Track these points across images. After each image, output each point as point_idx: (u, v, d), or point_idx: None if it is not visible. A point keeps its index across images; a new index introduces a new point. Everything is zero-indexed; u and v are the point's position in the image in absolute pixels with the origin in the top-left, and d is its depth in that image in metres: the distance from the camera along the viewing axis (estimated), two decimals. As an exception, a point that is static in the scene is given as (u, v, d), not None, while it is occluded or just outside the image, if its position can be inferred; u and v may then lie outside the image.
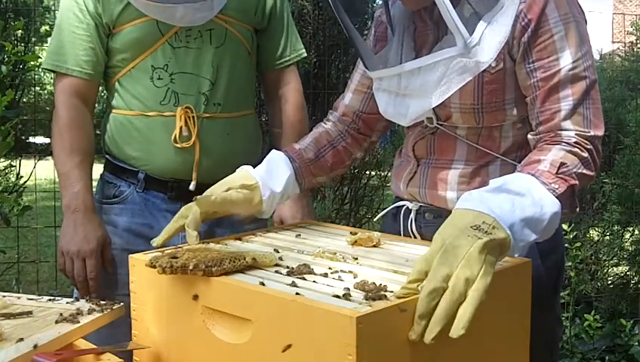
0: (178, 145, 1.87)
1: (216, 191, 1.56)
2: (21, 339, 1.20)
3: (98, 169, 2.01)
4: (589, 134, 1.40)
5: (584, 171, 1.36)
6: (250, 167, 1.63)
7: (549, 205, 1.26)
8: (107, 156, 1.99)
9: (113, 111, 1.95)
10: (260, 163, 1.67)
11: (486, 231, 1.15)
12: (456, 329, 1.06)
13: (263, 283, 1.20)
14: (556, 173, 1.31)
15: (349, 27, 1.59)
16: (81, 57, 1.89)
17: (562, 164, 1.32)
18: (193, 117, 1.87)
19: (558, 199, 1.27)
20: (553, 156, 1.35)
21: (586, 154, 1.38)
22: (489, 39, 1.43)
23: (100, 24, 1.87)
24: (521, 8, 1.44)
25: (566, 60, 1.42)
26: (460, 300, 1.08)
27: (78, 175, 1.87)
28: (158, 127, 1.88)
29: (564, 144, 1.39)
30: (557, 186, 1.29)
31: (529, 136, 1.48)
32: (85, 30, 1.87)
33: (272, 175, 1.63)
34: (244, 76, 1.99)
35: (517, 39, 1.44)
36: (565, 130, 1.41)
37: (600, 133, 1.42)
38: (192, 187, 1.89)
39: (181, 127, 1.86)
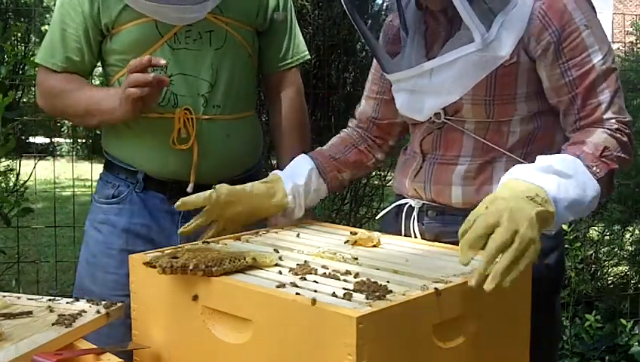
0: (176, 147, 1.86)
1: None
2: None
3: (98, 169, 2.01)
4: (626, 120, 1.47)
5: (623, 155, 1.43)
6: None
7: (591, 188, 1.34)
8: (106, 156, 1.99)
9: (113, 111, 1.95)
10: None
11: (539, 203, 1.23)
12: (504, 282, 1.15)
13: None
14: (599, 156, 1.38)
15: (366, 34, 1.66)
16: (68, 56, 1.90)
17: (605, 148, 1.40)
18: (192, 119, 1.87)
19: (598, 183, 1.35)
20: (597, 139, 1.42)
21: (625, 139, 1.45)
22: (505, 35, 1.48)
23: (93, 26, 1.87)
24: (538, 5, 1.47)
25: (597, 56, 1.48)
26: (520, 257, 1.16)
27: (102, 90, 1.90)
28: (157, 128, 1.87)
29: (606, 129, 1.44)
30: (598, 170, 1.36)
31: (567, 133, 1.52)
32: (75, 30, 1.88)
33: (293, 170, 1.72)
34: (245, 78, 1.98)
35: (535, 36, 1.48)
36: (607, 119, 1.47)
37: (630, 118, 1.48)
38: (189, 189, 1.88)
39: (179, 129, 1.86)
